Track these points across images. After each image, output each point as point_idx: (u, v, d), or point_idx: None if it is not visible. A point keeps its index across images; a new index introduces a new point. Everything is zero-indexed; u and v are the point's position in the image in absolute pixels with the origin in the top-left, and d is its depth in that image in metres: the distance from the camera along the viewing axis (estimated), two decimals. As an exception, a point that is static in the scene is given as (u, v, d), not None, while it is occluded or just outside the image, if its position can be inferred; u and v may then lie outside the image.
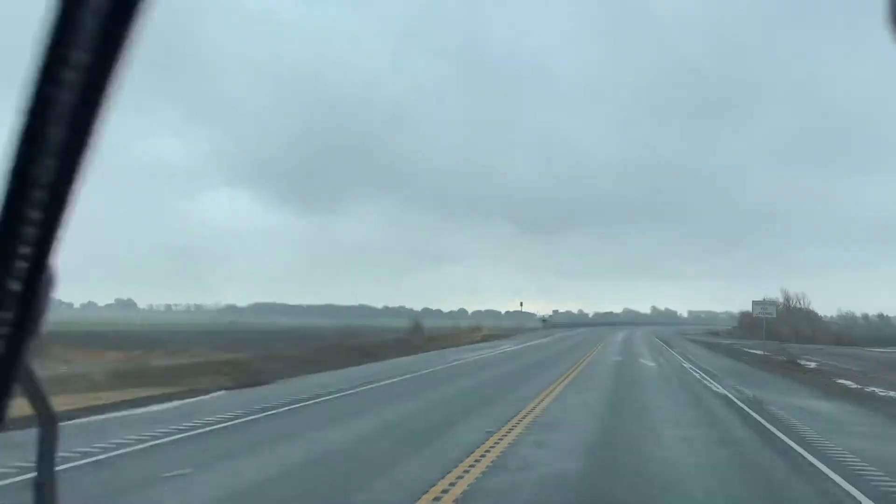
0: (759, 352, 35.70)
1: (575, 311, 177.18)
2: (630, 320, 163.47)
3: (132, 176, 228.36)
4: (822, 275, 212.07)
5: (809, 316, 67.05)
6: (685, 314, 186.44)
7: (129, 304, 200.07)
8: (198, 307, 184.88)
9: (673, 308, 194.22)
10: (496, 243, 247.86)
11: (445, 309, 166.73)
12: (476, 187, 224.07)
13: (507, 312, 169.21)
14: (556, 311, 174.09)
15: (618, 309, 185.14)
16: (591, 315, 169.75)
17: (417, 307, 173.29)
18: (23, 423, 1.26)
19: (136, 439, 9.59)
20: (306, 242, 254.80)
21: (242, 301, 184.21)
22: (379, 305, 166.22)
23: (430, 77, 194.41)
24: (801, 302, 75.89)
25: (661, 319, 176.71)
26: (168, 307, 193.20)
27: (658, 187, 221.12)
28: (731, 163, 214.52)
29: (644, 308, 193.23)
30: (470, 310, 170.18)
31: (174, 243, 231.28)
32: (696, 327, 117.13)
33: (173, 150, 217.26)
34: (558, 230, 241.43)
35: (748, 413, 14.03)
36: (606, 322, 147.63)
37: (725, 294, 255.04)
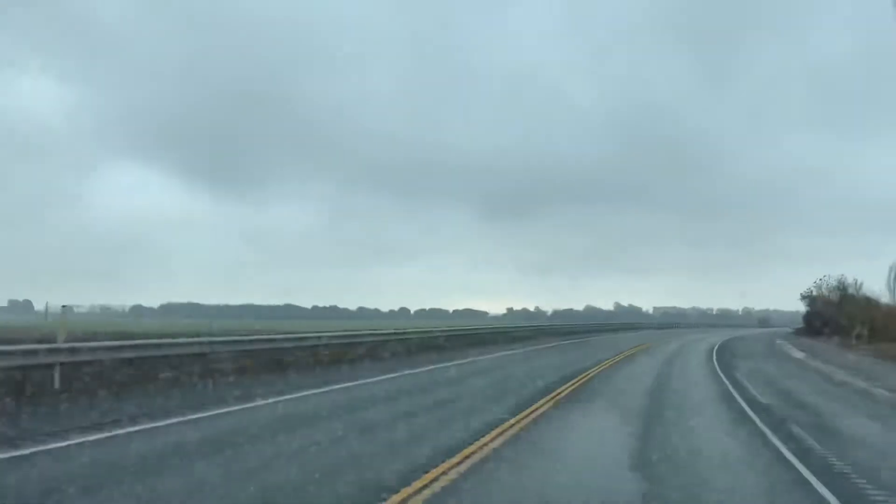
0: None
1: (532, 308, 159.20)
2: (602, 320, 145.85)
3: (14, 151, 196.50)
4: (813, 266, 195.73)
5: (870, 306, 49.75)
6: (650, 310, 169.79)
7: (25, 306, 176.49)
8: (102, 308, 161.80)
9: (638, 304, 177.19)
10: (447, 233, 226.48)
11: (385, 308, 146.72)
12: (423, 160, 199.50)
13: (455, 311, 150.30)
14: (510, 310, 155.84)
15: (579, 305, 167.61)
16: (549, 313, 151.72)
17: (353, 306, 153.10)
18: None
19: None
20: (229, 232, 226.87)
21: (153, 301, 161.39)
22: (308, 305, 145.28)
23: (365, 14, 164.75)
24: (858, 290, 58.11)
25: (628, 317, 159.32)
26: (67, 308, 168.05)
27: (628, 162, 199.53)
28: (715, 131, 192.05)
29: (607, 304, 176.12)
30: (413, 308, 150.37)
31: (76, 235, 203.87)
32: (726, 331, 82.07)
33: (50, 111, 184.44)
34: (517, 217, 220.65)
35: None
36: (567, 323, 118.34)
37: (692, 289, 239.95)
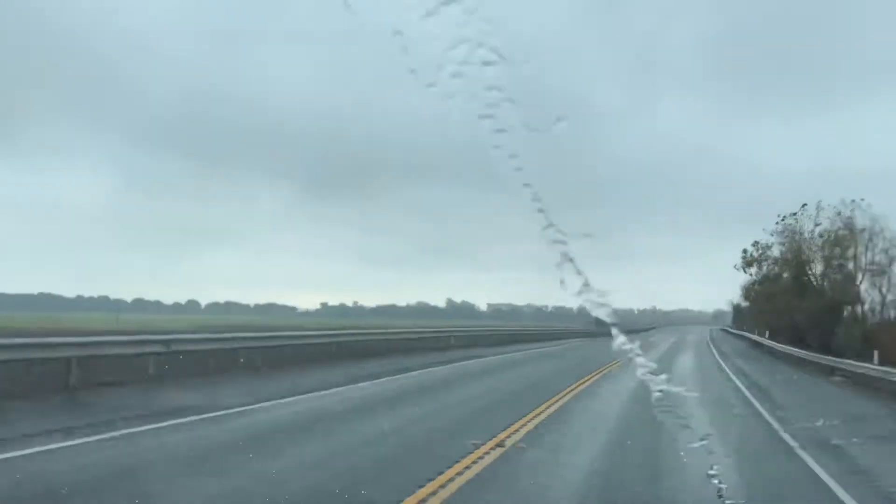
0: None
1: (350, 303, 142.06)
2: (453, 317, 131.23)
3: None
4: (662, 265, 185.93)
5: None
6: (484, 307, 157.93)
7: None
8: None
9: (471, 301, 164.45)
10: (254, 212, 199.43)
11: (169, 300, 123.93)
12: (228, 118, 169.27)
13: (258, 305, 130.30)
14: (324, 305, 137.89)
15: (406, 301, 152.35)
16: (370, 307, 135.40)
17: (129, 297, 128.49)
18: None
19: None
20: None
21: None
22: (71, 294, 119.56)
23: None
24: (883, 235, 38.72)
25: (459, 314, 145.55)
26: None
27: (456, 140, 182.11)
28: (588, 91, 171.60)
29: (438, 301, 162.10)
30: (204, 302, 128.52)
31: None
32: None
33: None
34: (340, 198, 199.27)
35: None
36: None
37: (528, 284, 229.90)
